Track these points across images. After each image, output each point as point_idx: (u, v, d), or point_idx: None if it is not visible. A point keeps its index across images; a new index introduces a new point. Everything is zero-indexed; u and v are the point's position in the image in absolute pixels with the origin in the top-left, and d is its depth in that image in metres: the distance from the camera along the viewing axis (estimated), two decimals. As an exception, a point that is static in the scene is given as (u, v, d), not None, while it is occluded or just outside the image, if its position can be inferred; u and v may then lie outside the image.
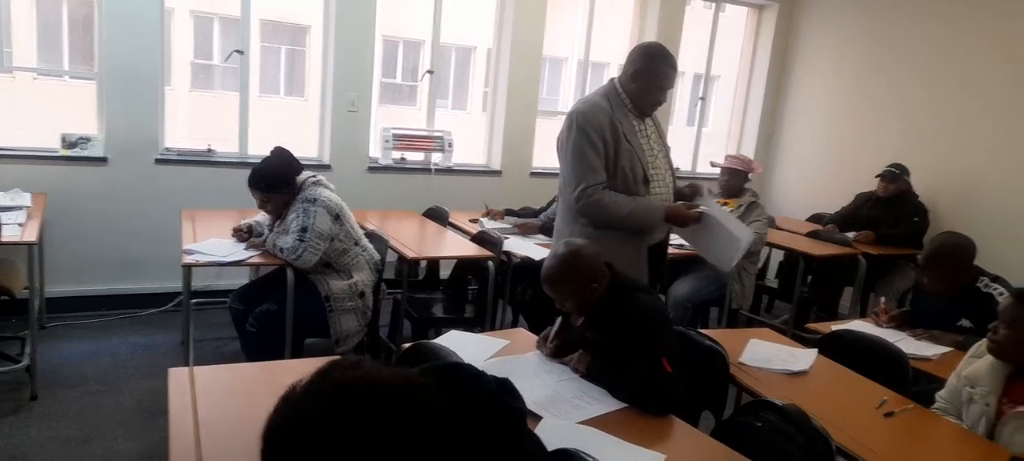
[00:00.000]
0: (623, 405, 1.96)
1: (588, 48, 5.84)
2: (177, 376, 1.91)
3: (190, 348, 3.50)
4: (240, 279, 3.97)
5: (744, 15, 6.51)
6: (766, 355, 2.48)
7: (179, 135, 4.70)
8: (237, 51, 4.63)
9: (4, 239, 3.04)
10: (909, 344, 2.71)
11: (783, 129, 6.41)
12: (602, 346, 2.13)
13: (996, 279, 2.80)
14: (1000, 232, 4.51)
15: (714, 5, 6.28)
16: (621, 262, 2.46)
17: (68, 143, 4.20)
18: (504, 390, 1.31)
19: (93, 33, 4.26)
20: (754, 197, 4.39)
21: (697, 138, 6.51)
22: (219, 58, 11.58)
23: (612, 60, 10.38)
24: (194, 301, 3.75)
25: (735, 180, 4.40)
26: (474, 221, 4.40)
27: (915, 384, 2.41)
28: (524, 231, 4.27)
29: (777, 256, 5.23)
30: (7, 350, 3.49)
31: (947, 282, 2.85)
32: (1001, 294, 2.70)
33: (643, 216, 2.66)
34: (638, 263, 2.72)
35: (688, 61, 6.33)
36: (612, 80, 2.77)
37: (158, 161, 4.39)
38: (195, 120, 9.62)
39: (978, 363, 2.12)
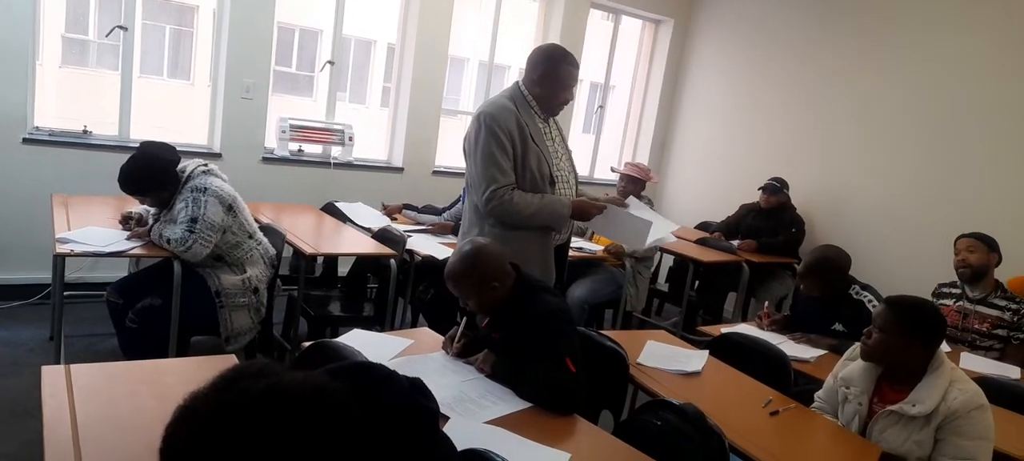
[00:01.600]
0: (528, 405, 1.98)
1: (493, 50, 5.87)
2: (51, 375, 1.77)
3: (61, 344, 3.22)
4: (118, 271, 3.70)
5: (641, 28, 6.76)
6: (662, 356, 2.58)
7: (49, 113, 4.31)
8: (120, 27, 4.31)
9: None
10: (789, 347, 2.91)
11: (675, 140, 6.71)
12: (507, 346, 2.14)
13: (866, 287, 3.05)
14: (867, 244, 4.93)
15: (613, 17, 6.48)
16: (529, 262, 2.50)
17: (-83, 115, 3.77)
18: (417, 390, 1.29)
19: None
20: (649, 204, 4.56)
21: (596, 145, 6.69)
22: (95, 33, 10.75)
23: (514, 63, 10.50)
24: (66, 293, 3.46)
25: (633, 187, 4.56)
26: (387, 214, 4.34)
27: (795, 384, 2.58)
28: (437, 231, 4.23)
29: (668, 261, 5.47)
30: None
31: (823, 290, 3.07)
32: (870, 301, 2.95)
33: (550, 213, 2.69)
34: (546, 263, 2.77)
35: (587, 70, 6.49)
36: (517, 83, 2.80)
37: (26, 141, 4.02)
38: (66, 98, 8.89)
39: (852, 365, 2.30)
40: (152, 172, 3.02)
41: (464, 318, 2.28)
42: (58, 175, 4.04)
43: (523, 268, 2.29)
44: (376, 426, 1.07)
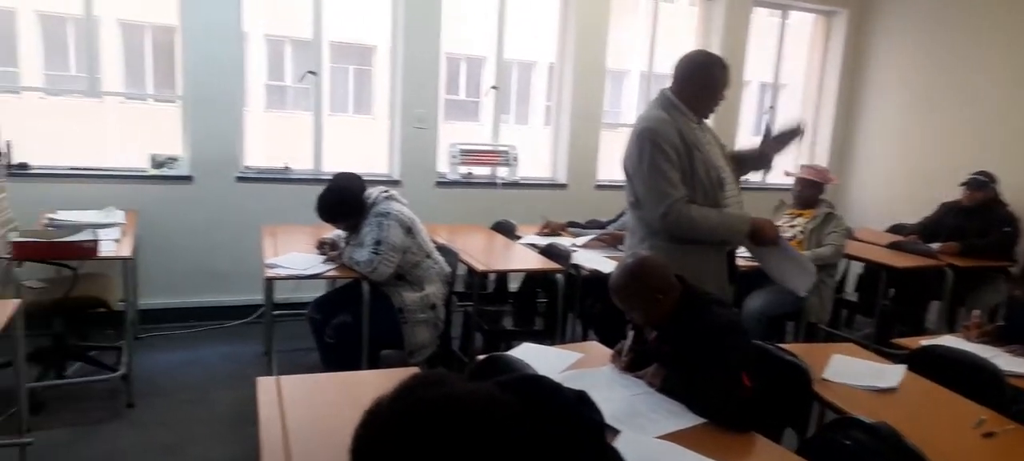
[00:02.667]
0: (701, 420, 1.93)
1: (651, 60, 5.80)
2: (265, 385, 1.98)
3: (273, 358, 3.63)
4: (317, 290, 4.09)
5: (812, 22, 6.36)
6: (851, 371, 2.40)
7: (257, 154, 4.89)
8: (310, 72, 4.80)
9: (101, 254, 3.22)
10: (1005, 360, 2.56)
11: (858, 137, 6.21)
12: (677, 360, 2.10)
13: (1101, 293, 2.64)
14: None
15: (780, 13, 6.15)
16: (703, 276, 2.44)
17: (157, 163, 4.43)
18: (582, 403, 1.31)
19: (175, 58, 4.49)
20: (830, 208, 4.27)
21: (767, 148, 6.36)
22: (292, 79, 11.99)
23: (676, 71, 10.27)
24: (275, 312, 3.88)
25: (810, 191, 4.29)
26: (550, 232, 4.41)
27: (1014, 403, 2.28)
28: (609, 242, 4.22)
29: (856, 268, 5.06)
30: (105, 359, 3.68)
31: (1046, 295, 2.70)
32: (1107, 308, 2.54)
33: (729, 228, 2.63)
34: (721, 276, 2.69)
35: (754, 70, 6.21)
36: (664, 92, 2.72)
37: (239, 179, 4.59)
38: (270, 139, 9.98)
39: (1086, 381, 2.00)
40: (342, 201, 3.34)
41: (632, 332, 2.27)
42: (265, 208, 4.56)
43: (698, 283, 2.23)
44: (542, 437, 1.11)
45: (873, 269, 4.63)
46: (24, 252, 3.11)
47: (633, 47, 6.82)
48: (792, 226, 4.31)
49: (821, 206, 4.26)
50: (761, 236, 2.70)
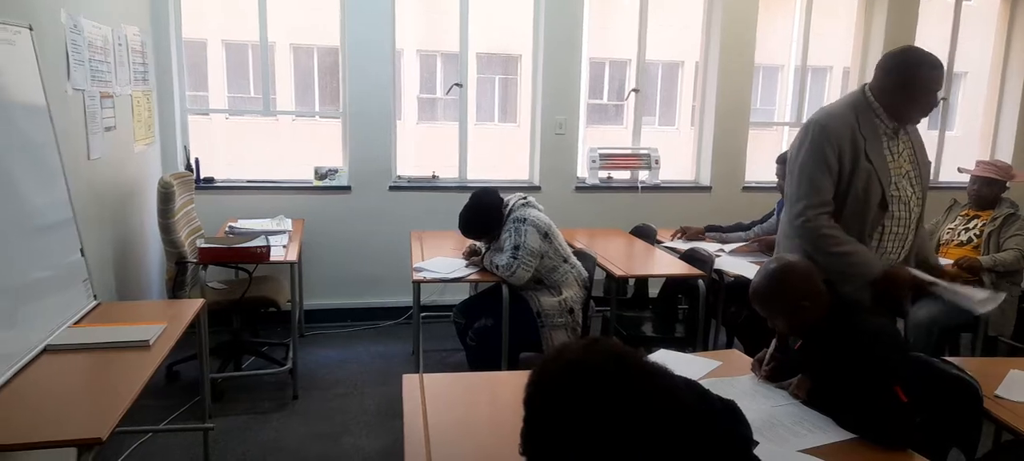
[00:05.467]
0: (849, 435, 1.81)
1: (805, 53, 5.49)
2: (410, 382, 2.11)
3: (420, 357, 3.84)
4: (461, 294, 4.27)
5: (995, 3, 5.71)
6: (1030, 389, 2.15)
7: (409, 164, 5.19)
8: (456, 84, 5.01)
9: (272, 259, 3.56)
10: None
11: (1052, 127, 5.50)
12: (823, 371, 1.99)
13: None
14: None
15: (956, -6, 5.60)
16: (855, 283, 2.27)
17: (320, 175, 4.83)
18: (730, 414, 1.29)
19: (339, 78, 4.87)
20: (1012, 208, 3.83)
21: (940, 143, 5.81)
22: (441, 91, 12.56)
23: (835, 63, 9.63)
24: (423, 314, 4.09)
25: (989, 189, 3.86)
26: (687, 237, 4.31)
27: None
28: (764, 248, 4.03)
29: (1047, 275, 4.48)
30: (275, 355, 4.08)
31: None
32: None
33: (853, 264, 2.36)
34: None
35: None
36: (863, 87, 2.49)
37: (392, 188, 4.88)
38: (421, 149, 10.53)
39: None
40: (481, 217, 3.49)
41: (774, 340, 2.17)
42: (414, 214, 4.83)
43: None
44: (689, 438, 1.12)
45: (1070, 276, 4.08)
46: (208, 256, 3.52)
47: (787, 40, 6.50)
48: (967, 229, 3.92)
49: (1002, 206, 3.83)
50: (893, 287, 2.36)
